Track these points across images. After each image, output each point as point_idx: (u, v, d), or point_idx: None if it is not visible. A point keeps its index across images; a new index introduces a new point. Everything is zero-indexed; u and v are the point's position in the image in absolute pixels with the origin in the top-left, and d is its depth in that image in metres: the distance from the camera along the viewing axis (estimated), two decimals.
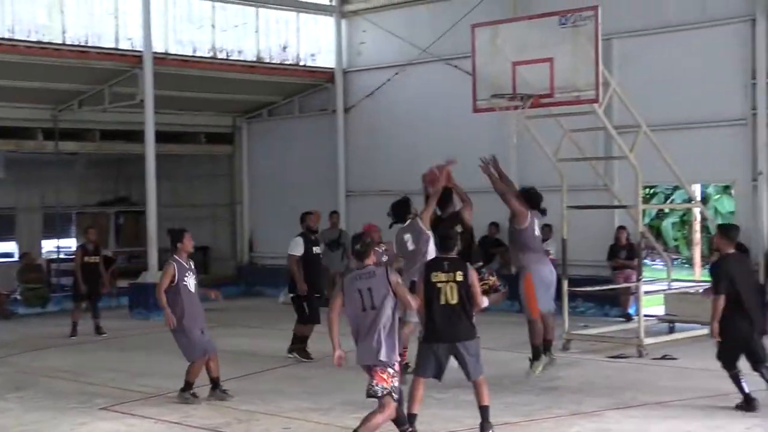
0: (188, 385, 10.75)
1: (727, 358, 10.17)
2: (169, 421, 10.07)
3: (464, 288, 8.88)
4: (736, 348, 10.07)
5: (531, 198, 12.33)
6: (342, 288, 8.53)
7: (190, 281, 10.90)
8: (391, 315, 8.38)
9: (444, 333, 8.88)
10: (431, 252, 11.00)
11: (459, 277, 8.90)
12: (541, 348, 12.00)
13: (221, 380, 11.03)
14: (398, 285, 8.45)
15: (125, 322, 17.90)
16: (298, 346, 13.52)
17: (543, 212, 12.39)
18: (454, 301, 8.88)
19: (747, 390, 10.04)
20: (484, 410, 8.94)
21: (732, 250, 10.27)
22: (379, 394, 8.35)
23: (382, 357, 8.31)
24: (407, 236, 11.56)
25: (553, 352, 12.40)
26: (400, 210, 11.81)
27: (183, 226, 24.53)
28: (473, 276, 8.97)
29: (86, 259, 16.50)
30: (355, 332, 8.49)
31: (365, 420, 8.34)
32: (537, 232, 12.18)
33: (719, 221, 25.62)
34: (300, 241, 13.66)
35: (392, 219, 11.92)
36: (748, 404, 10.01)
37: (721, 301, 9.92)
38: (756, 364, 10.14)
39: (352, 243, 8.76)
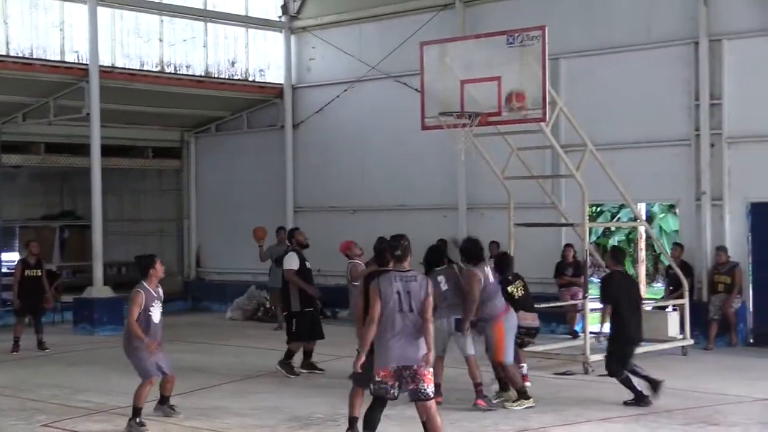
0: (136, 412, 10.30)
1: (616, 366, 11.28)
2: None
3: None
4: (625, 354, 11.27)
5: (470, 252, 11.53)
6: (378, 288, 8.44)
7: (156, 312, 10.53)
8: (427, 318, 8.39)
9: None
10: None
11: None
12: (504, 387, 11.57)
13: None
14: (429, 301, 8.40)
15: (69, 337, 17.65)
16: (285, 360, 13.41)
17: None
18: None
19: (639, 388, 11.13)
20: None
21: (619, 269, 11.70)
22: (432, 395, 8.52)
23: (424, 359, 8.39)
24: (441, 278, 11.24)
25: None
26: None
27: (128, 240, 24.59)
28: None
29: (27, 272, 16.23)
30: (385, 332, 8.41)
31: (431, 427, 8.57)
32: (492, 278, 11.40)
33: (664, 240, 25.98)
34: (295, 256, 13.52)
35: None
36: (640, 400, 11.11)
37: (609, 308, 11.26)
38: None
39: (391, 246, 8.75)
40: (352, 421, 9.33)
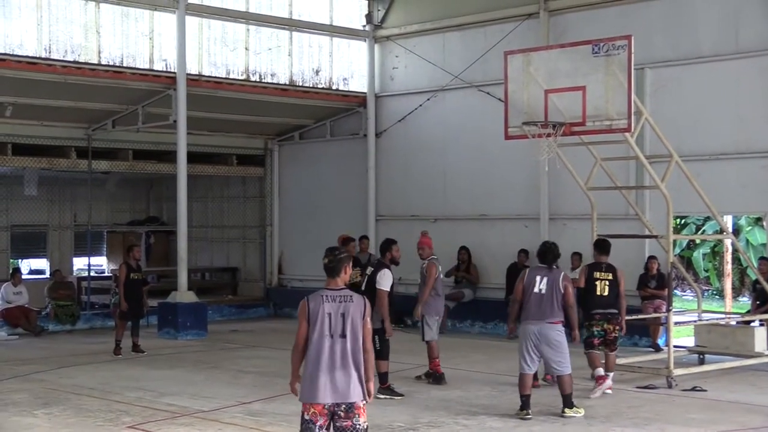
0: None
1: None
2: None
3: None
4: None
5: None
6: None
7: None
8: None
9: None
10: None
11: None
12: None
13: (248, 401, 11.01)
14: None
15: (153, 341, 17.93)
16: (383, 385, 12.29)
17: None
18: None
19: None
20: None
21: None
22: None
23: None
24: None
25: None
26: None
27: (212, 246, 24.93)
28: None
29: (132, 275, 16.49)
30: None
31: None
32: (535, 288, 11.19)
33: (751, 253, 25.47)
34: (390, 275, 12.42)
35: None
36: None
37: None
38: None
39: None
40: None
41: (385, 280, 12.31)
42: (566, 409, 11.09)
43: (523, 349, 11.11)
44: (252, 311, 23.10)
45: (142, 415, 11.28)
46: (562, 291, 11.06)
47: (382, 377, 12.37)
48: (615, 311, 12.78)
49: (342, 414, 7.06)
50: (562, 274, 11.26)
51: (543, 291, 11.03)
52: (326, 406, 7.05)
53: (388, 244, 12.91)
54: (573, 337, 11.53)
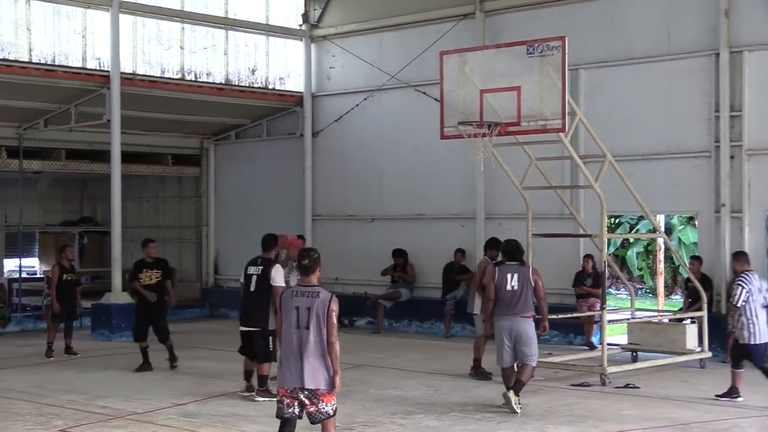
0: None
1: None
2: None
3: None
4: None
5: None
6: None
7: None
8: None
9: None
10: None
11: None
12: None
13: (183, 403, 10.92)
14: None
15: (87, 343, 17.68)
16: (261, 388, 12.14)
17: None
18: None
19: None
20: None
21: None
22: None
23: None
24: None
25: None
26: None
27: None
28: None
29: (65, 276, 16.24)
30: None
31: None
32: (508, 285, 11.68)
33: (683, 252, 25.87)
34: (282, 270, 12.23)
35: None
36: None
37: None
38: None
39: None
40: None
41: (279, 276, 12.08)
42: (512, 393, 11.33)
43: (500, 344, 11.67)
44: (188, 312, 22.86)
45: (75, 418, 11.11)
46: (533, 285, 11.64)
47: (262, 380, 12.12)
48: None
49: (307, 401, 7.95)
50: (531, 268, 11.84)
51: (515, 287, 11.59)
52: (288, 390, 7.96)
53: (275, 240, 12.62)
54: (542, 327, 12.05)
